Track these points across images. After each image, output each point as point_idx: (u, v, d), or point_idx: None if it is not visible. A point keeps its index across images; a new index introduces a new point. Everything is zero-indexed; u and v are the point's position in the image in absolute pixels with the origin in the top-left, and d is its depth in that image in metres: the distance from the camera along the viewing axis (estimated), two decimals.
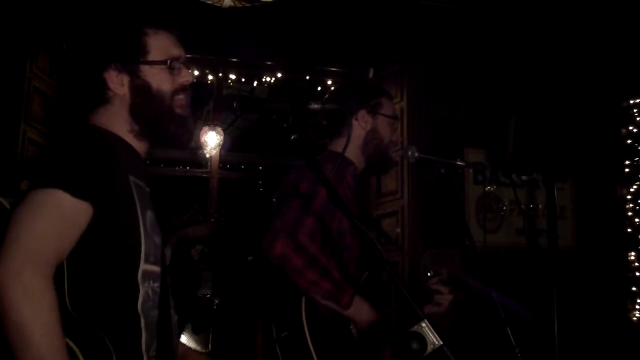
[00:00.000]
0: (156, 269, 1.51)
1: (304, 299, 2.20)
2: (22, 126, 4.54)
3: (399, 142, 2.62)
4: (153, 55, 1.60)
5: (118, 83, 1.58)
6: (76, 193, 1.36)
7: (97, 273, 1.41)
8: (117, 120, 1.59)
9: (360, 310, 2.24)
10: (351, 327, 2.27)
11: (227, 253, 4.95)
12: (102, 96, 1.59)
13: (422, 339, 1.28)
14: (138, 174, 1.55)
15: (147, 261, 1.48)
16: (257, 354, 3.69)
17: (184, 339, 4.54)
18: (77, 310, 1.37)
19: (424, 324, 1.29)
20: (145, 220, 1.50)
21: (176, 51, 1.64)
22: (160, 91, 1.59)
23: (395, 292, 1.39)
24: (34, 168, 1.43)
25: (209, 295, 4.76)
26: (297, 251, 2.15)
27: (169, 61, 1.60)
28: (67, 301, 1.36)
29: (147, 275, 1.48)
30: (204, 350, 4.64)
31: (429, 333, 1.29)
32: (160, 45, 1.61)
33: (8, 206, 1.40)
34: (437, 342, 1.28)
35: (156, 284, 1.51)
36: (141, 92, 1.58)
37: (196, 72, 5.24)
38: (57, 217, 1.34)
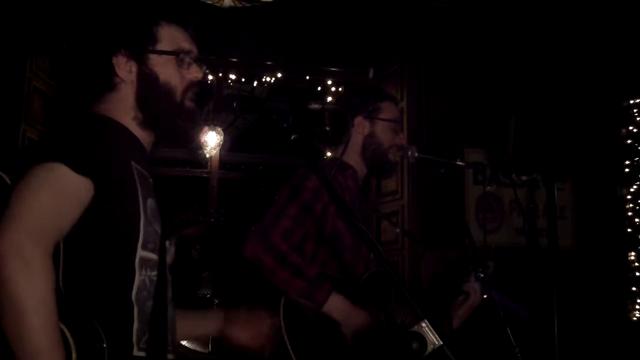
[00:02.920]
0: (154, 257, 1.48)
1: (283, 298, 2.22)
2: (22, 126, 4.53)
3: (404, 144, 2.62)
4: (162, 46, 1.60)
5: (126, 70, 1.58)
6: (78, 168, 1.36)
7: (92, 255, 1.40)
8: (122, 107, 1.59)
9: (336, 308, 2.23)
10: (342, 327, 2.27)
11: (227, 253, 4.95)
12: (109, 82, 1.59)
13: (422, 339, 1.28)
14: (140, 163, 1.54)
15: (145, 248, 1.45)
16: None
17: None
18: (70, 293, 1.35)
19: (424, 324, 1.29)
20: (146, 206, 1.48)
21: (187, 46, 1.64)
22: (168, 84, 1.59)
23: (396, 292, 1.39)
24: (37, 146, 1.43)
25: (209, 295, 4.77)
26: (267, 250, 2.19)
27: (178, 53, 1.60)
28: (61, 283, 1.35)
29: (145, 262, 1.45)
30: (204, 351, 4.64)
31: (429, 333, 1.29)
32: (170, 37, 1.62)
33: (9, 182, 1.39)
34: (437, 342, 1.28)
35: (153, 273, 1.47)
36: (148, 82, 1.58)
37: None
38: (58, 193, 1.34)
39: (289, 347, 2.15)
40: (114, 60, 1.58)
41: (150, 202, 1.50)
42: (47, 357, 1.23)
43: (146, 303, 1.44)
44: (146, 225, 1.46)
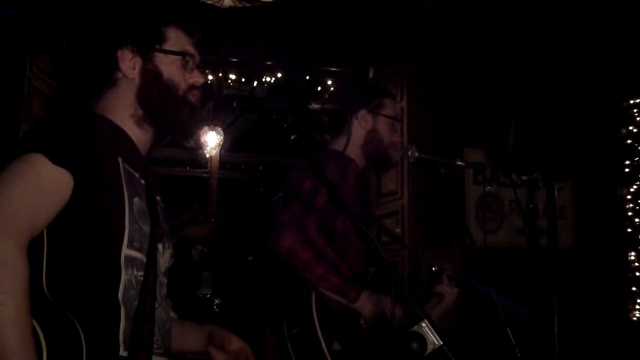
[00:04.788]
0: (140, 256, 1.45)
1: (313, 294, 2.20)
2: (22, 126, 4.54)
3: (399, 142, 2.63)
4: (169, 46, 1.61)
5: (130, 66, 1.57)
6: (57, 160, 1.34)
7: (76, 252, 1.37)
8: (119, 105, 1.58)
9: (365, 305, 2.23)
10: (361, 321, 2.27)
11: (227, 253, 4.95)
12: (109, 78, 1.58)
13: (422, 339, 1.28)
14: (130, 162, 1.51)
15: (130, 246, 1.42)
16: (268, 352, 3.66)
17: None
18: (54, 292, 1.33)
19: (424, 324, 1.29)
20: (132, 204, 1.45)
21: (192, 50, 1.65)
22: (171, 81, 1.59)
23: (396, 292, 1.40)
24: (21, 139, 1.40)
25: (209, 295, 4.77)
26: (305, 245, 2.15)
27: (184, 54, 1.61)
28: (44, 282, 1.33)
29: (131, 261, 1.42)
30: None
31: (429, 333, 1.29)
32: (177, 39, 1.63)
33: None
34: (437, 342, 1.28)
35: (140, 273, 1.44)
36: (151, 78, 1.58)
37: None
38: (35, 185, 1.32)
39: (322, 344, 2.13)
40: (119, 53, 1.57)
41: (137, 201, 1.48)
42: (13, 350, 1.19)
43: (134, 303, 1.41)
44: (132, 223, 1.43)
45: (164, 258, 1.58)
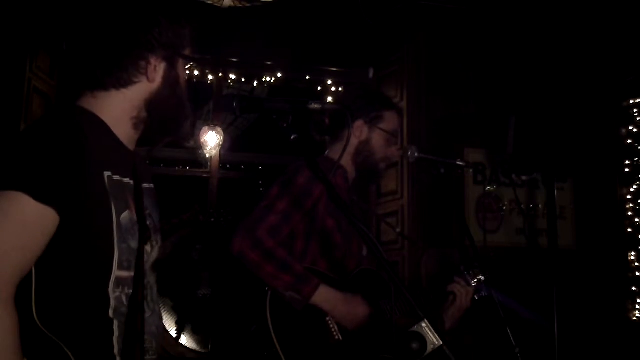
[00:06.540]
0: (130, 274, 1.42)
1: (269, 293, 2.23)
2: (22, 126, 4.53)
3: (396, 157, 2.64)
4: (188, 50, 1.60)
5: (152, 70, 1.51)
6: (40, 197, 1.26)
7: (66, 282, 1.34)
8: (123, 106, 1.51)
9: (324, 299, 2.25)
10: (328, 319, 2.27)
11: (227, 253, 4.95)
12: (124, 77, 1.49)
13: (422, 339, 1.28)
14: (117, 168, 1.45)
15: (120, 267, 1.39)
16: None
17: (184, 339, 4.54)
18: (45, 321, 1.30)
19: (424, 324, 1.29)
20: (120, 222, 1.40)
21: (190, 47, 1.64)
22: (184, 85, 1.59)
23: (396, 292, 1.40)
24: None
25: (209, 295, 4.77)
26: (253, 247, 2.21)
27: (199, 59, 1.62)
28: (34, 312, 1.30)
29: (121, 281, 1.40)
30: (203, 350, 4.64)
31: (429, 333, 1.29)
32: (190, 40, 1.61)
33: None
34: (437, 342, 1.29)
35: (130, 291, 1.42)
36: (172, 84, 1.55)
37: (196, 72, 5.24)
38: (19, 227, 1.24)
39: (275, 342, 2.15)
40: (152, 58, 1.50)
41: (126, 215, 1.43)
42: None
43: (125, 315, 1.41)
44: (120, 243, 1.40)
45: (153, 254, 1.56)
